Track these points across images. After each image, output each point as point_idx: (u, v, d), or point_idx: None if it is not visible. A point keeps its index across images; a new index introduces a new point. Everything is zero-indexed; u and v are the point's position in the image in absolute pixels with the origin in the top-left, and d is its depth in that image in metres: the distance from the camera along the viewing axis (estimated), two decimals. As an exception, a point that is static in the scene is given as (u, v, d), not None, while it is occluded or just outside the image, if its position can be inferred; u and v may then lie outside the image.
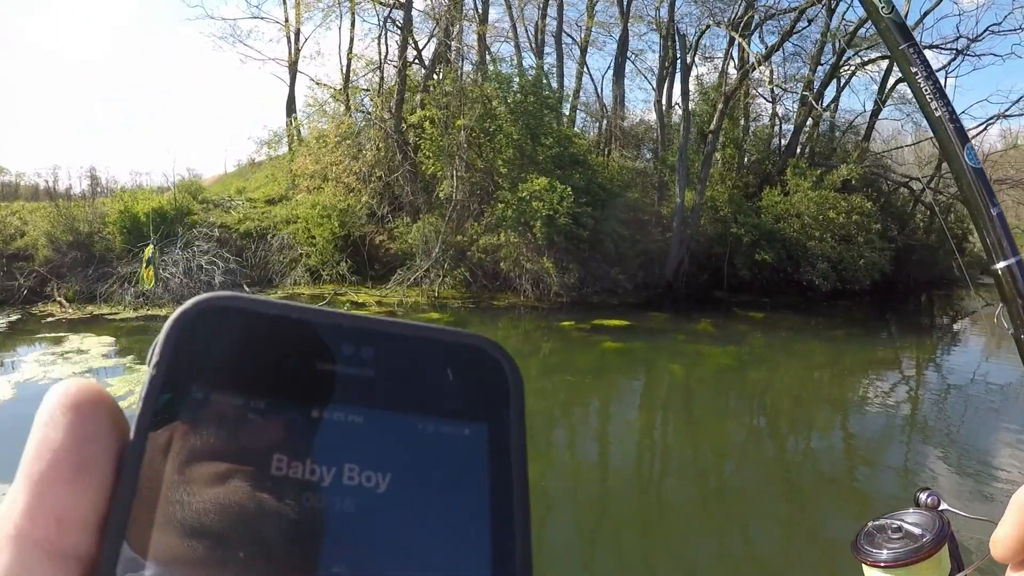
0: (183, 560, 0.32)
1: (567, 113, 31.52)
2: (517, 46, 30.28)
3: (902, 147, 32.99)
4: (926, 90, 1.60)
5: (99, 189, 29.38)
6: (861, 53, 30.85)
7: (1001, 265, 1.54)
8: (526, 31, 30.54)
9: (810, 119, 29.68)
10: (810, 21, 29.24)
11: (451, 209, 21.47)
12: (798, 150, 28.81)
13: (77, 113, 77.11)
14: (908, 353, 19.23)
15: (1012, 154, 45.77)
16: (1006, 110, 31.27)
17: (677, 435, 11.33)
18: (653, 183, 26.15)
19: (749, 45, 25.06)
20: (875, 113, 30.80)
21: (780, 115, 29.04)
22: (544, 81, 27.76)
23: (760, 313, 20.48)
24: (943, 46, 31.33)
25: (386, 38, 26.22)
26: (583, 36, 31.16)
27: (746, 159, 28.75)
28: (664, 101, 26.53)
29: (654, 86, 29.86)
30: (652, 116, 29.57)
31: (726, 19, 24.11)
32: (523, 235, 20.57)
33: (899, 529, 1.47)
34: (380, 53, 26.32)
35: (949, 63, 31.90)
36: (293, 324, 0.37)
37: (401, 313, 17.76)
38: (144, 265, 17.51)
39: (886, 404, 13.58)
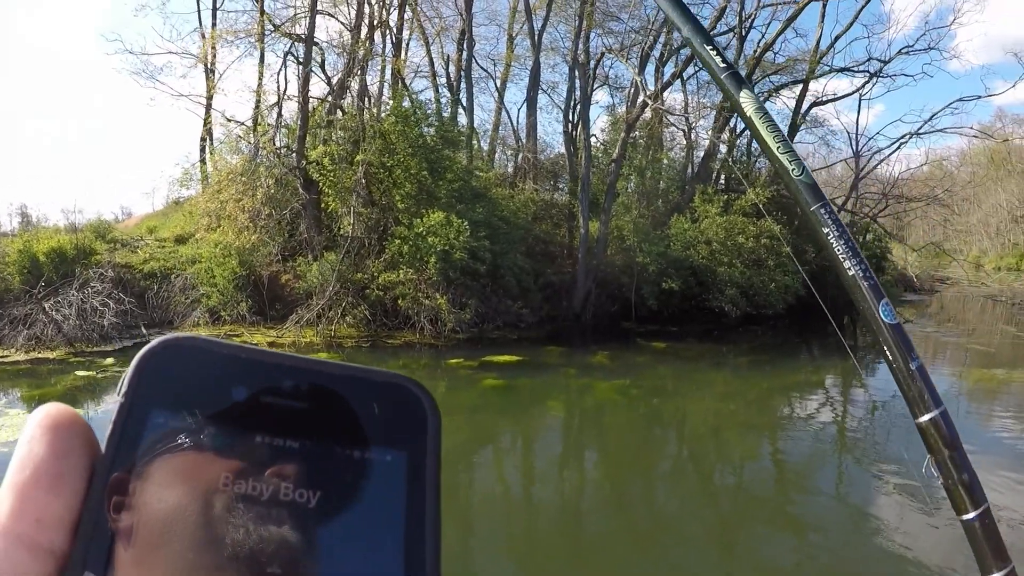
0: (143, 557, 0.38)
1: (485, 147, 31.14)
2: (434, 81, 29.91)
3: (815, 170, 32.77)
4: (839, 250, 1.59)
5: (30, 226, 28.13)
6: (773, 79, 30.88)
7: (925, 418, 1.51)
8: (444, 66, 30.15)
9: (724, 147, 29.47)
10: (724, 49, 29.20)
11: (346, 246, 20.65)
12: (714, 176, 28.45)
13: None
14: (830, 374, 19.24)
15: (936, 173, 46.55)
16: (918, 128, 31.45)
17: (545, 475, 10.84)
18: (564, 215, 25.51)
19: (662, 75, 24.75)
20: (789, 137, 30.58)
21: (693, 143, 28.63)
22: (447, 115, 27.37)
23: (663, 343, 19.80)
24: (855, 68, 31.41)
25: (286, 73, 25.56)
26: (503, 71, 30.82)
27: (659, 187, 28.26)
28: (575, 132, 25.94)
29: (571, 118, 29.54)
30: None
31: (622, 47, 23.71)
32: (420, 271, 19.84)
33: None
34: (279, 88, 25.56)
35: (863, 85, 32.03)
36: (242, 362, 0.42)
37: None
38: None
39: (811, 426, 13.76)
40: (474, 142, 30.63)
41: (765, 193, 24.64)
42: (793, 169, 1.66)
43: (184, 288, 20.99)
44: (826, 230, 1.61)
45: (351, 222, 20.85)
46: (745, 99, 1.77)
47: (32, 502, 0.38)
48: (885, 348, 1.62)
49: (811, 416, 14.71)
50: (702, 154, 28.54)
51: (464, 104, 27.62)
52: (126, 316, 18.93)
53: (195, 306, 20.51)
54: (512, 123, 32.30)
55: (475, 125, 32.27)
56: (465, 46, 27.36)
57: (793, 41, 40.35)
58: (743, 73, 26.57)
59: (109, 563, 0.38)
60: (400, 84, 27.03)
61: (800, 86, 30.56)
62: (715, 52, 1.88)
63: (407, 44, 29.91)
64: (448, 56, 29.86)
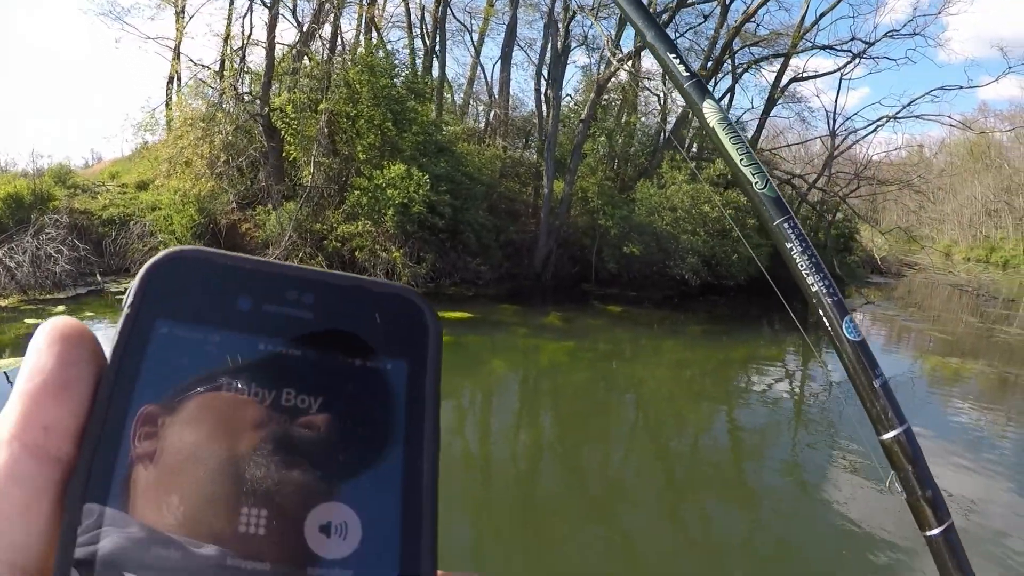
0: (144, 482, 0.38)
1: (459, 101, 30.64)
2: (410, 32, 29.28)
3: (790, 145, 32.63)
4: (802, 265, 1.52)
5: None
6: (754, 51, 30.50)
7: (889, 436, 1.48)
8: (420, 18, 29.51)
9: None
10: (706, 17, 28.76)
11: (304, 195, 20.17)
12: (687, 144, 28.08)
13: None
14: (788, 349, 19.12)
15: (913, 159, 46.57)
16: (897, 112, 31.21)
17: (489, 437, 10.78)
18: (531, 173, 25.09)
19: (619, 35, 24.27)
20: (766, 111, 30.28)
21: (667, 109, 28.19)
22: (420, 67, 26.85)
23: (619, 307, 19.55)
24: (838, 47, 31.05)
25: (251, 17, 24.90)
26: (481, 25, 30.29)
27: (629, 151, 27.87)
28: (547, 90, 25.42)
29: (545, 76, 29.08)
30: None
31: (596, 5, 23.20)
32: (378, 223, 19.44)
33: None
34: (243, 32, 24.87)
35: (845, 65, 31.71)
36: (247, 272, 0.43)
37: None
38: None
39: (766, 399, 13.78)
40: (447, 95, 30.23)
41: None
42: (757, 182, 1.63)
43: (142, 235, 20.44)
44: (789, 245, 1.56)
45: (311, 172, 20.39)
46: (709, 110, 1.72)
47: (39, 410, 0.39)
48: (848, 366, 1.60)
49: (767, 389, 14.68)
50: (675, 121, 28.04)
51: (438, 56, 27.08)
52: (80, 263, 18.44)
53: (152, 254, 19.89)
54: (486, 78, 31.72)
55: (450, 78, 31.96)
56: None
57: (777, 14, 40.09)
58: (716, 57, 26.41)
59: (115, 478, 0.38)
60: (373, 33, 26.52)
61: (781, 60, 30.22)
62: (678, 60, 1.83)
63: None
64: (424, 6, 29.25)
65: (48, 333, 0.40)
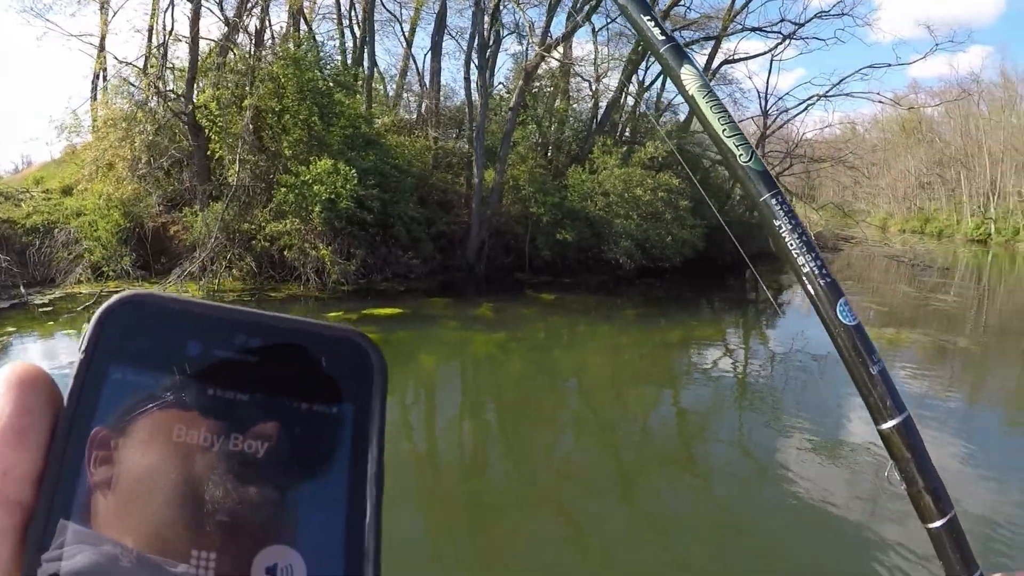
0: (103, 508, 0.39)
1: (391, 93, 30.24)
2: (340, 23, 28.84)
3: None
4: (792, 244, 1.34)
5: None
6: (685, 35, 30.52)
7: (888, 425, 1.33)
8: (349, 8, 29.07)
9: (631, 100, 29.10)
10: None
11: (230, 195, 19.68)
12: (620, 129, 28.03)
13: None
14: (728, 327, 19.81)
15: (847, 136, 47.26)
16: (827, 91, 31.54)
17: (424, 433, 10.73)
18: (464, 163, 24.84)
19: (550, 22, 24.09)
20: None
21: (597, 94, 28.09)
22: (351, 59, 26.47)
23: (552, 295, 19.40)
24: (768, 29, 31.23)
25: (173, 11, 24.10)
26: (413, 15, 29.87)
27: (562, 137, 27.73)
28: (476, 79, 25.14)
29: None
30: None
31: None
32: (306, 221, 19.05)
33: None
34: (165, 27, 24.12)
35: (776, 46, 31.93)
36: (197, 317, 0.44)
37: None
38: None
39: (710, 378, 13.94)
40: (379, 87, 29.86)
41: (664, 146, 24.31)
42: (741, 155, 1.44)
43: (67, 243, 19.72)
44: (778, 223, 1.39)
45: (237, 170, 19.91)
46: (687, 75, 1.48)
47: None
48: (843, 352, 1.43)
49: (710, 368, 14.79)
50: (606, 106, 27.97)
51: (367, 47, 26.66)
52: (2, 275, 17.79)
53: (78, 262, 19.39)
54: (418, 69, 31.35)
55: (382, 69, 31.56)
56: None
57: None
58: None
59: (75, 510, 0.39)
60: (300, 25, 26.08)
61: (712, 43, 30.33)
62: (653, 23, 1.56)
63: None
64: (352, -1, 28.83)
65: (5, 379, 0.41)
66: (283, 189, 19.30)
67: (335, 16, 28.88)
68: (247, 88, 20.50)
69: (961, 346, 17.99)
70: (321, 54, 22.77)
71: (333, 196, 18.39)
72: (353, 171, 18.68)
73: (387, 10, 30.92)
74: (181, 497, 0.40)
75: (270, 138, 20.85)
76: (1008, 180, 72.70)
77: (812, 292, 1.40)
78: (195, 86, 21.83)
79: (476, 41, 22.94)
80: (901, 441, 1.39)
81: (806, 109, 32.43)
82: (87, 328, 0.42)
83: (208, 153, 21.43)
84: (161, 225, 21.06)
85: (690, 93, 1.61)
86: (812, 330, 19.04)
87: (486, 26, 23.63)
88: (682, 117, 31.30)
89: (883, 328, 19.72)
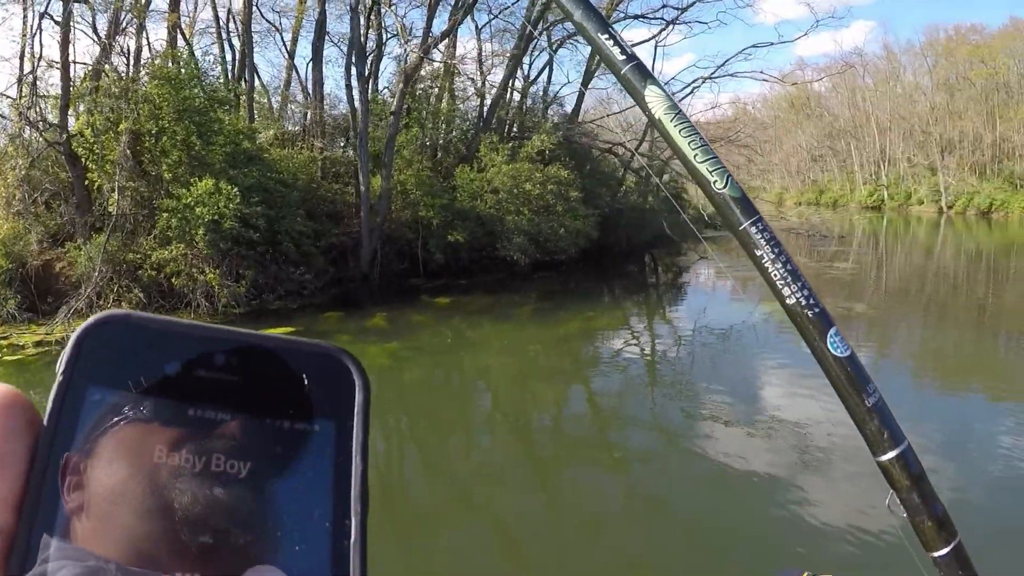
0: (83, 528, 0.39)
1: (277, 105, 29.63)
2: (220, 38, 28.18)
3: (609, 115, 33.07)
4: (775, 275, 1.36)
5: None
6: (568, 27, 30.67)
7: (888, 457, 1.36)
8: (227, 22, 28.42)
9: (518, 95, 29.11)
10: (516, -1, 28.76)
11: (111, 225, 19.00)
12: (508, 126, 28.01)
13: None
14: (632, 313, 20.13)
15: (740, 117, 48.28)
16: (711, 73, 32.08)
17: None
18: (352, 172, 24.47)
19: (430, 22, 23.92)
20: (584, 83, 30.56)
21: (482, 92, 28.01)
22: (228, 73, 25.90)
23: (447, 298, 19.27)
24: (650, 16, 31.58)
25: (41, 36, 23.10)
26: (294, 23, 29.34)
27: (450, 137, 27.61)
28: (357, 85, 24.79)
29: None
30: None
31: None
32: (191, 245, 18.49)
33: None
34: (34, 53, 23.13)
35: (659, 32, 32.28)
36: (176, 337, 0.44)
37: (56, 350, 15.56)
38: None
39: (618, 365, 14.08)
40: (263, 100, 29.28)
41: (551, 139, 24.37)
42: (715, 181, 1.43)
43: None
44: (759, 252, 1.37)
45: (116, 199, 19.21)
46: (652, 96, 1.49)
47: None
48: (836, 385, 1.41)
49: (616, 354, 14.94)
50: (490, 103, 27.90)
51: (247, 60, 26.06)
52: None
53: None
54: (300, 79, 30.84)
55: (265, 82, 30.99)
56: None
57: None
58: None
59: (55, 535, 0.39)
60: (178, 43, 25.36)
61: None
62: (612, 41, 1.58)
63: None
64: (229, 10, 28.21)
65: None
66: (165, 214, 18.66)
67: (214, 30, 28.26)
68: (122, 112, 19.77)
69: (859, 311, 18.51)
70: (198, 70, 22.09)
71: (216, 217, 17.82)
72: (235, 189, 18.16)
73: (266, 20, 30.44)
74: (164, 519, 0.39)
75: (150, 162, 20.20)
76: (896, 147, 75.34)
77: (800, 325, 1.42)
78: (69, 113, 21.01)
79: (355, 46, 22.60)
80: (901, 472, 1.41)
81: (692, 92, 32.93)
82: (65, 349, 0.42)
83: (86, 183, 20.65)
84: (44, 263, 20.08)
85: (656, 116, 1.53)
86: (713, 307, 19.48)
87: (363, 31, 23.31)
88: (569, 108, 31.48)
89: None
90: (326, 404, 0.44)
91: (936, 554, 1.40)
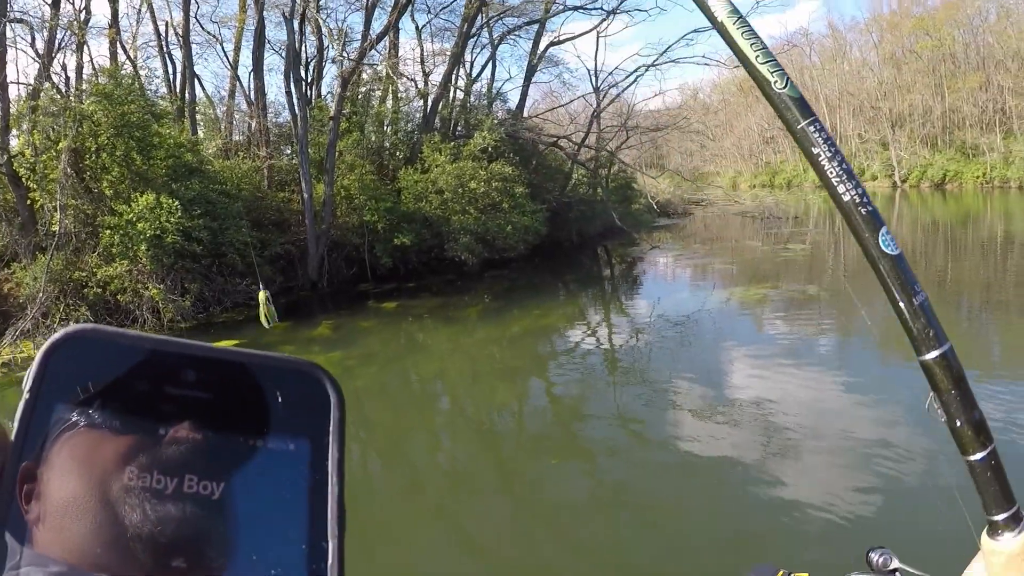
0: (51, 551, 0.38)
1: (223, 115, 29.41)
2: (161, 51, 27.89)
3: (554, 108, 33.23)
4: (831, 172, 1.31)
5: None
6: (508, 21, 30.76)
7: (932, 355, 1.31)
8: (166, 34, 28.12)
9: (461, 93, 29.08)
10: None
11: (55, 243, 18.82)
12: (452, 125, 27.98)
13: None
14: (587, 307, 20.06)
15: (692, 104, 48.56)
16: (654, 60, 32.25)
17: None
18: (297, 180, 24.36)
19: (368, 25, 23.82)
20: (527, 78, 30.63)
21: (423, 92, 27.97)
22: (172, 86, 25.73)
23: (394, 303, 19.19)
24: (590, 7, 31.67)
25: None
26: (236, 33, 29.10)
27: (396, 139, 27.56)
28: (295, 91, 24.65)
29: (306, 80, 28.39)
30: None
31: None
32: (134, 261, 18.35)
33: None
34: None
35: (600, 23, 32.40)
36: (146, 352, 0.42)
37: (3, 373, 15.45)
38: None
39: (575, 359, 14.14)
40: (208, 111, 29.11)
41: (493, 136, 24.37)
42: (776, 81, 1.40)
43: None
44: (816, 150, 1.35)
45: (59, 217, 19.04)
46: (714, 3, 1.45)
47: None
48: (886, 283, 1.42)
49: (573, 349, 14.95)
50: (432, 103, 27.85)
51: (188, 72, 25.87)
52: None
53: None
54: (243, 89, 30.64)
55: (210, 93, 30.76)
56: (182, 11, 25.53)
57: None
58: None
59: (19, 554, 0.38)
60: (119, 58, 25.13)
61: (537, 27, 30.60)
62: None
63: (139, 12, 28.13)
64: (169, 23, 27.95)
65: None
66: (108, 231, 18.50)
67: (156, 43, 28.00)
68: (62, 130, 19.58)
69: (812, 293, 18.69)
70: (137, 84, 21.91)
71: (158, 232, 17.71)
72: (176, 203, 18.04)
73: (206, 31, 30.19)
74: (135, 543, 0.38)
75: (92, 179, 20.02)
76: (847, 124, 76.19)
77: (853, 222, 1.42)
78: (12, 134, 20.78)
79: (290, 53, 22.51)
80: (943, 372, 1.39)
81: (635, 81, 33.18)
82: (31, 366, 0.41)
83: (29, 203, 20.45)
84: None
85: (719, 20, 1.57)
86: (668, 297, 19.62)
87: (297, 37, 23.22)
88: (512, 104, 31.54)
89: (744, 287, 20.41)
90: (300, 422, 0.43)
91: (971, 458, 1.40)
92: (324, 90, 28.17)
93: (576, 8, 31.59)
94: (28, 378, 0.41)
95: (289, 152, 27.24)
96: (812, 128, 1.41)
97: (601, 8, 31.56)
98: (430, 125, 26.36)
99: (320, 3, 26.61)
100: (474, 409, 11.62)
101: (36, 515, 0.38)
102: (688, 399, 10.65)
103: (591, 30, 32.91)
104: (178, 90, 25.98)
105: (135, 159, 19.36)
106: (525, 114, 31.55)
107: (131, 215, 18.13)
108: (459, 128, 27.89)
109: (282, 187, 24.02)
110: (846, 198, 1.40)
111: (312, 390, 0.44)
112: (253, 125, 27.51)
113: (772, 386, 10.75)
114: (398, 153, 26.89)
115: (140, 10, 28.17)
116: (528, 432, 10.34)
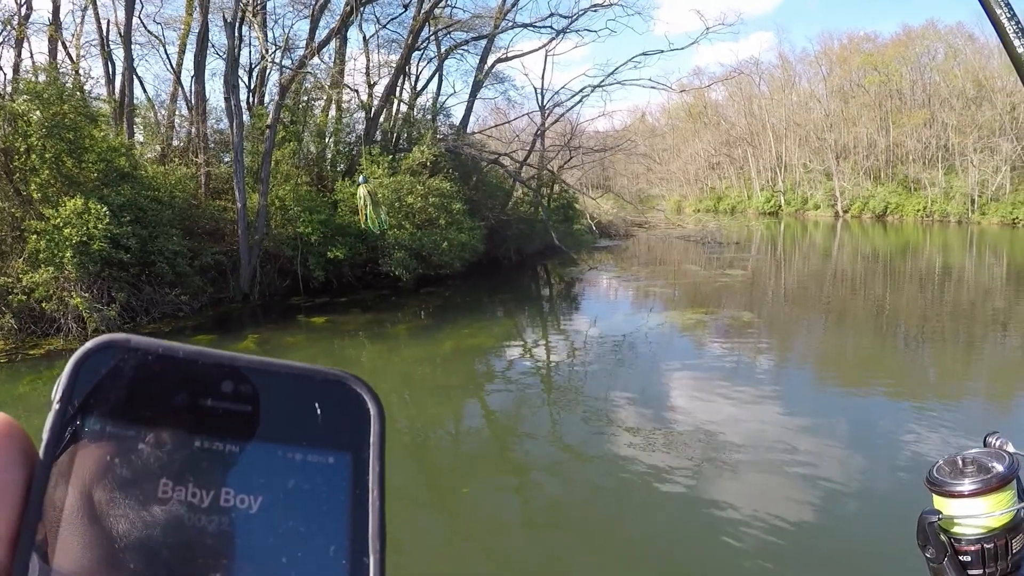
0: (83, 570, 0.37)
1: (164, 119, 28.94)
2: (103, 50, 27.35)
3: (498, 125, 33.32)
4: (1010, 30, 1.35)
5: None
6: (456, 36, 30.78)
7: None
8: (107, 34, 27.60)
9: (405, 107, 28.99)
10: (406, 7, 28.62)
11: (-24, 247, 18.26)
12: (392, 139, 27.82)
13: None
14: (524, 326, 19.73)
15: (640, 127, 49.03)
16: (600, 82, 32.51)
17: None
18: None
19: (313, 33, 23.65)
20: (473, 94, 30.66)
21: (366, 104, 27.78)
22: (112, 88, 25.29)
23: (323, 318, 18.91)
24: (539, 25, 31.84)
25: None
26: (181, 35, 28.72)
27: (336, 149, 27.34)
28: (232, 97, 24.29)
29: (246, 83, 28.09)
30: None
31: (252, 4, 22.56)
32: (60, 267, 17.83)
33: (973, 462, 1.56)
34: None
35: (550, 42, 32.60)
36: (180, 363, 0.41)
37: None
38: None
39: (511, 377, 14.09)
40: (149, 114, 28.63)
41: (432, 151, 24.28)
42: None
43: None
44: (999, 11, 1.37)
45: (-19, 219, 18.47)
46: None
47: None
48: None
49: (508, 368, 14.86)
50: (374, 115, 27.68)
51: (127, 73, 25.42)
52: None
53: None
54: (184, 93, 30.17)
55: (153, 96, 30.29)
56: (124, 10, 25.05)
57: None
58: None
59: (49, 574, 0.37)
60: (59, 56, 24.68)
61: (484, 41, 30.68)
62: None
63: (83, 10, 27.70)
64: (110, 22, 27.46)
65: None
66: (34, 236, 17.97)
67: (98, 43, 27.47)
68: (-7, 129, 18.99)
69: (746, 320, 18.83)
70: (75, 84, 21.43)
71: (85, 238, 17.25)
72: (105, 209, 17.59)
73: (149, 32, 29.72)
74: (170, 558, 0.38)
75: (21, 181, 19.46)
76: (792, 154, 77.62)
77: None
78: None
79: (230, 58, 22.21)
80: None
81: (580, 101, 33.35)
82: (61, 376, 0.40)
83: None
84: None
85: None
86: (605, 318, 19.65)
87: (236, 42, 22.97)
88: (457, 119, 31.53)
89: (681, 310, 20.55)
90: (340, 434, 0.42)
91: None
92: (268, 97, 27.86)
93: (526, 26, 31.81)
94: (58, 388, 0.40)
95: (228, 159, 26.89)
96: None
97: (551, 27, 31.85)
98: (370, 137, 26.16)
99: (267, 9, 26.49)
100: (407, 427, 11.43)
101: (65, 529, 0.37)
102: (625, 418, 10.70)
103: (540, 48, 33.17)
104: (117, 92, 25.46)
105: (66, 162, 18.89)
106: (470, 130, 31.56)
107: (58, 220, 17.62)
108: (402, 142, 27.74)
109: (219, 195, 23.62)
110: (1021, 50, 1.50)
111: (351, 402, 0.43)
112: (193, 130, 27.13)
113: (707, 407, 10.90)
114: (339, 165, 26.65)
115: (84, 8, 27.70)
116: (462, 451, 10.30)
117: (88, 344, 0.40)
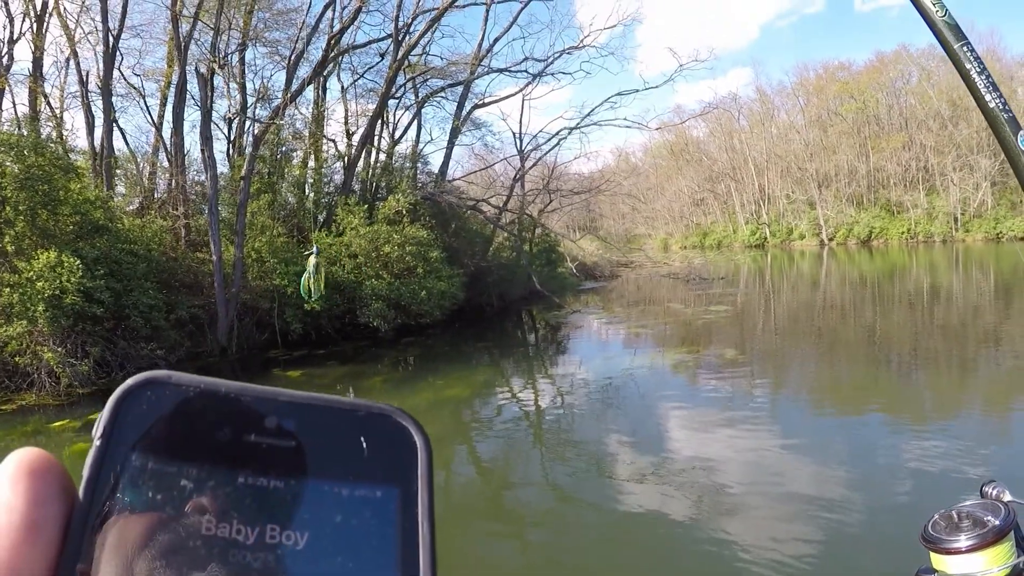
0: None
1: (146, 171, 28.91)
2: (84, 101, 27.35)
3: (477, 171, 33.42)
4: (979, 84, 1.64)
5: None
6: (433, 83, 30.97)
7: None
8: (98, 85, 27.62)
9: (383, 155, 29.04)
10: (382, 56, 28.80)
11: (-50, 302, 18.06)
12: (370, 188, 27.85)
13: None
14: (510, 374, 19.44)
15: (623, 167, 49.37)
16: (577, 123, 32.68)
17: None
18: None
19: (289, 84, 23.72)
20: (451, 140, 30.74)
21: (343, 154, 27.82)
22: (93, 140, 25.28)
23: (299, 371, 18.75)
24: (514, 69, 32.05)
25: None
26: (163, 86, 28.74)
27: (316, 199, 27.31)
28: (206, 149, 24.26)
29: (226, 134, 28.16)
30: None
31: (215, 55, 22.64)
32: (32, 321, 17.67)
33: (969, 516, 1.58)
34: None
35: (526, 86, 32.82)
36: (223, 399, 0.41)
37: None
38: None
39: (498, 425, 13.88)
40: (130, 166, 28.60)
41: (407, 199, 24.27)
42: (937, 11, 1.72)
43: None
44: (968, 66, 1.65)
45: (-48, 274, 18.30)
46: (945, 29, 1.79)
47: (6, 552, 0.36)
48: (1021, 178, 1.64)
49: (496, 416, 14.70)
50: (350, 164, 27.71)
51: (106, 125, 25.41)
52: None
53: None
54: (165, 144, 30.17)
55: (134, 147, 30.24)
56: (103, 62, 25.17)
57: (460, 45, 41.33)
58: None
59: None
60: (40, 108, 24.69)
61: (461, 88, 30.85)
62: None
63: (67, 62, 27.58)
64: (89, 73, 27.48)
65: (16, 466, 0.38)
66: (7, 289, 17.83)
67: (79, 94, 27.51)
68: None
69: (728, 357, 18.70)
70: (54, 135, 21.40)
71: (58, 292, 17.09)
72: (78, 262, 17.46)
73: (129, 84, 29.74)
74: None
75: (-3, 234, 19.37)
76: (775, 186, 78.22)
77: (997, 125, 1.68)
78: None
79: (204, 109, 22.24)
80: None
81: (558, 144, 33.44)
82: (103, 413, 0.40)
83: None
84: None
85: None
86: (594, 361, 19.52)
87: (209, 93, 23.03)
88: (434, 166, 31.60)
89: (666, 349, 20.48)
90: (387, 468, 0.42)
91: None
92: (247, 148, 27.89)
93: (501, 71, 32.05)
94: (99, 425, 0.40)
95: (206, 211, 26.84)
96: (965, 49, 1.73)
97: (526, 71, 32.08)
98: (348, 187, 26.16)
99: (245, 61, 26.59)
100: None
101: (105, 567, 0.37)
102: (616, 460, 10.65)
103: (516, 93, 33.36)
104: (97, 143, 25.44)
105: (40, 214, 18.78)
106: (449, 176, 31.62)
107: (31, 273, 17.46)
108: (380, 190, 27.73)
109: (198, 247, 23.52)
110: (991, 104, 1.69)
111: (397, 435, 0.43)
112: (173, 182, 27.09)
113: (697, 446, 10.77)
114: (319, 215, 26.60)
115: (68, 59, 27.75)
116: (450, 500, 10.04)
117: (129, 381, 0.41)
